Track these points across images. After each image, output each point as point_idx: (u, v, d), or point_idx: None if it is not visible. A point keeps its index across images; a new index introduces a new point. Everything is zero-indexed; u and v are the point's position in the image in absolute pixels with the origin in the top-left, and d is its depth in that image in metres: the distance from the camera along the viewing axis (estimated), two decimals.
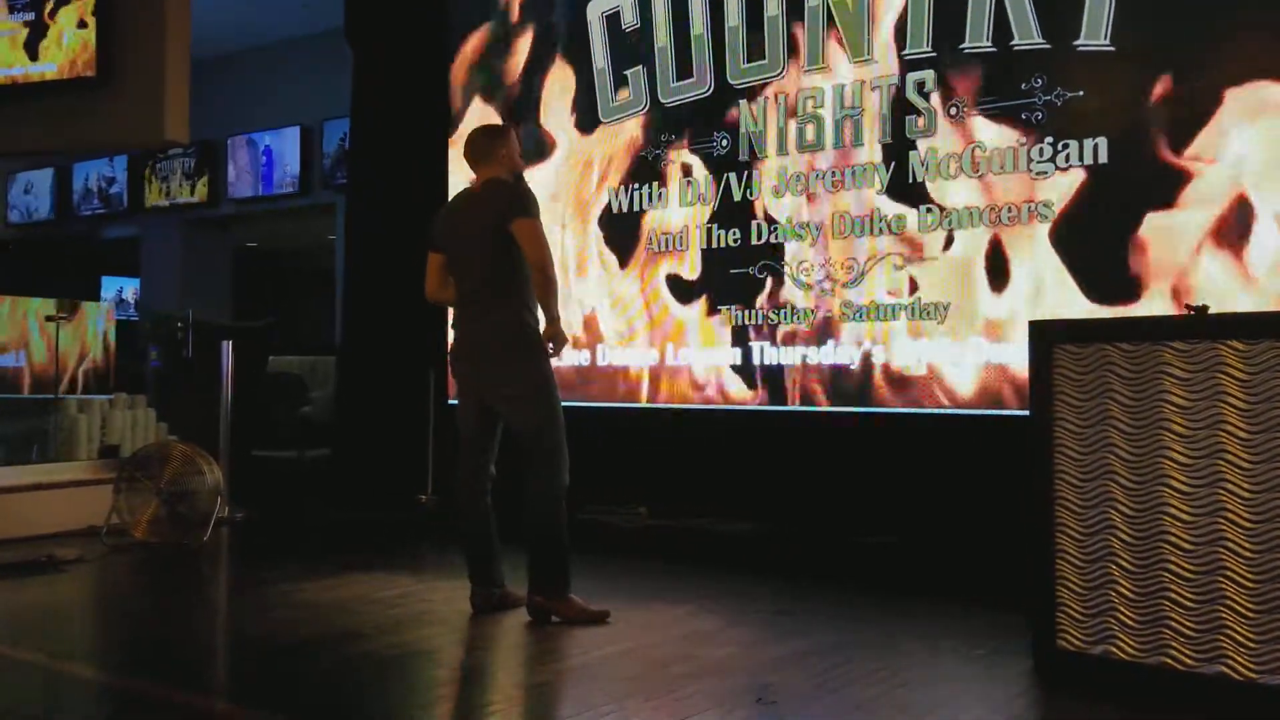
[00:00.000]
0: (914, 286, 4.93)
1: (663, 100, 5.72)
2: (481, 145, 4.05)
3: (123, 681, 3.25)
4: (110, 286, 12.98)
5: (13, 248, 11.50)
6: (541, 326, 3.83)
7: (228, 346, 6.27)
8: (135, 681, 3.21)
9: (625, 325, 5.81)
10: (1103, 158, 4.51)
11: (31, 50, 5.80)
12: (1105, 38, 4.52)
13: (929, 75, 4.93)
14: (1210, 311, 3.07)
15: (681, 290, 5.63)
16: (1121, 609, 3.04)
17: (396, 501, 6.28)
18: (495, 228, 3.82)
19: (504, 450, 4.00)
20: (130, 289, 12.61)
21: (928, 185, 4.92)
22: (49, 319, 6.37)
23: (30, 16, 5.82)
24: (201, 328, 7.06)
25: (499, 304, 3.84)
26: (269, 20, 8.91)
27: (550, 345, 3.83)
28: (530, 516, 3.80)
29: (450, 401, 5.33)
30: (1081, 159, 4.55)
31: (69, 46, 5.73)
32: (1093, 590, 3.10)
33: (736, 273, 5.45)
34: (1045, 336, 3.27)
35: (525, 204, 3.84)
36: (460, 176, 5.59)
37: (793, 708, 2.85)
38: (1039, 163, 4.65)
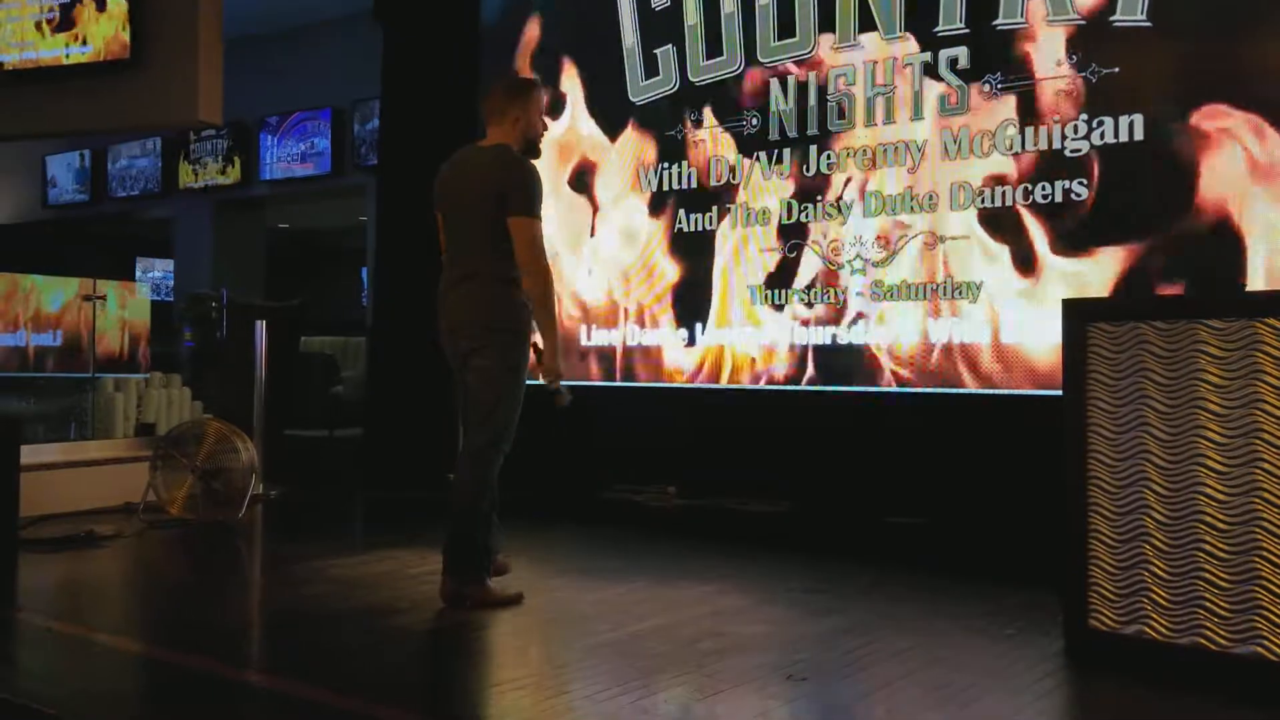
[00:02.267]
0: (946, 265, 4.91)
1: (692, 79, 5.70)
2: (498, 102, 3.76)
3: (160, 653, 3.30)
4: (146, 268, 13.12)
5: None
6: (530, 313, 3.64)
7: (261, 326, 6.31)
8: (172, 653, 3.25)
9: (653, 305, 5.80)
10: (1138, 134, 4.46)
11: (67, 34, 5.85)
12: (1142, 12, 4.46)
13: (961, 52, 4.89)
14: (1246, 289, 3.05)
15: (711, 269, 5.62)
16: (1154, 589, 3.02)
17: (427, 479, 6.32)
18: (491, 205, 3.58)
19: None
20: (163, 270, 12.73)
21: (960, 163, 4.88)
22: (85, 299, 6.44)
23: (65, 0, 5.87)
24: (235, 308, 7.11)
25: (483, 278, 3.62)
26: (301, 1, 8.93)
27: (543, 373, 3.65)
28: (453, 496, 3.62)
29: None
30: (1116, 136, 4.51)
31: (103, 30, 5.78)
32: (1126, 570, 3.08)
33: (767, 252, 5.43)
34: (1079, 315, 3.24)
35: (528, 198, 3.58)
36: None
37: (822, 684, 2.86)
38: (1073, 140, 4.60)
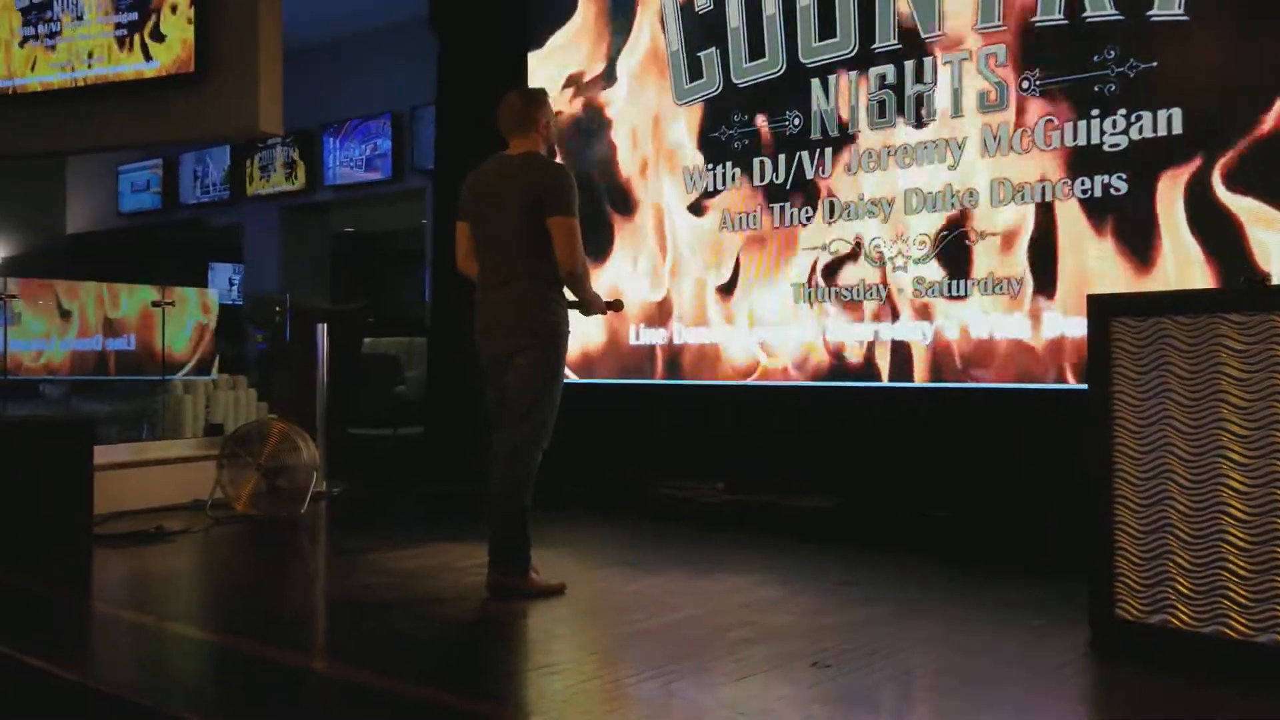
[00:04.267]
0: (985, 262, 4.95)
1: (735, 81, 5.79)
2: (521, 112, 3.87)
3: (228, 640, 3.48)
4: (220, 273, 13.51)
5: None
6: (569, 312, 3.84)
7: (323, 329, 6.52)
8: (239, 640, 3.43)
9: (701, 304, 5.91)
10: (1177, 128, 4.46)
11: (134, 49, 6.11)
12: (1180, 7, 4.47)
13: (1000, 49, 4.92)
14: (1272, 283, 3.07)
15: (755, 268, 5.71)
16: (1178, 579, 3.06)
17: (482, 474, 6.49)
18: (530, 208, 3.70)
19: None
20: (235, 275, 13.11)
21: (1000, 160, 4.92)
22: (154, 304, 6.71)
23: (133, 16, 6.13)
24: (299, 310, 7.35)
25: (525, 280, 3.74)
26: (358, 10, 9.16)
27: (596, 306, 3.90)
28: (494, 492, 3.75)
29: None
30: (1155, 130, 4.52)
31: (169, 44, 6.03)
32: (1150, 560, 3.12)
33: (809, 250, 5.51)
34: (1103, 310, 3.29)
35: (567, 198, 3.71)
36: None
37: (846, 671, 2.95)
38: (1112, 135, 4.62)
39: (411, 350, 9.33)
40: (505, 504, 3.74)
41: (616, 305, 4.12)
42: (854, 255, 5.37)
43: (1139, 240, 4.54)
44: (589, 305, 3.95)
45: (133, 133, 6.32)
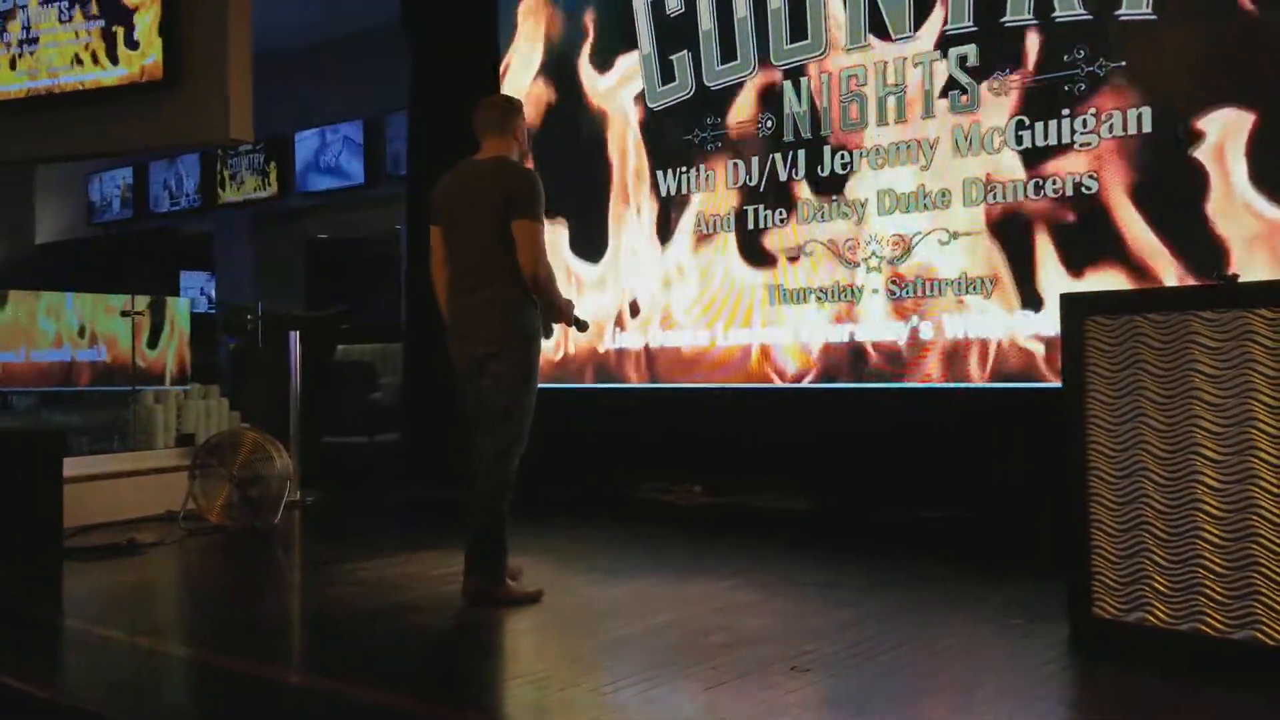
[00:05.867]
0: (959, 262, 4.96)
1: (708, 83, 5.79)
2: (497, 116, 3.91)
3: (202, 654, 3.44)
4: (192, 281, 13.40)
5: None
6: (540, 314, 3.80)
7: (295, 337, 6.47)
8: (213, 654, 3.39)
9: (675, 307, 5.89)
10: (1146, 127, 4.49)
11: (102, 57, 6.04)
12: (1148, 6, 4.49)
13: (971, 50, 4.94)
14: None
15: (729, 270, 5.70)
16: (1155, 576, 3.07)
17: (460, 479, 6.46)
18: (501, 212, 3.70)
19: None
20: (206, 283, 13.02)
21: (971, 160, 4.93)
22: (124, 314, 6.64)
23: (102, 24, 6.06)
24: (271, 318, 7.29)
25: (498, 284, 3.73)
26: (330, 15, 9.11)
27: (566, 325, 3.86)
28: (474, 499, 3.73)
29: None
30: (1125, 129, 4.54)
31: (139, 52, 5.96)
32: (1127, 558, 3.13)
33: (783, 251, 5.51)
34: (1076, 309, 3.30)
35: (533, 203, 3.72)
36: None
37: (826, 675, 2.93)
38: (1082, 134, 4.64)
39: (386, 357, 9.27)
40: (481, 510, 3.72)
41: (581, 325, 4.01)
42: (828, 256, 5.37)
43: (1111, 238, 4.56)
44: (556, 311, 3.87)
45: (102, 141, 6.25)
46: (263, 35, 6.36)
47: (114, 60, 6.02)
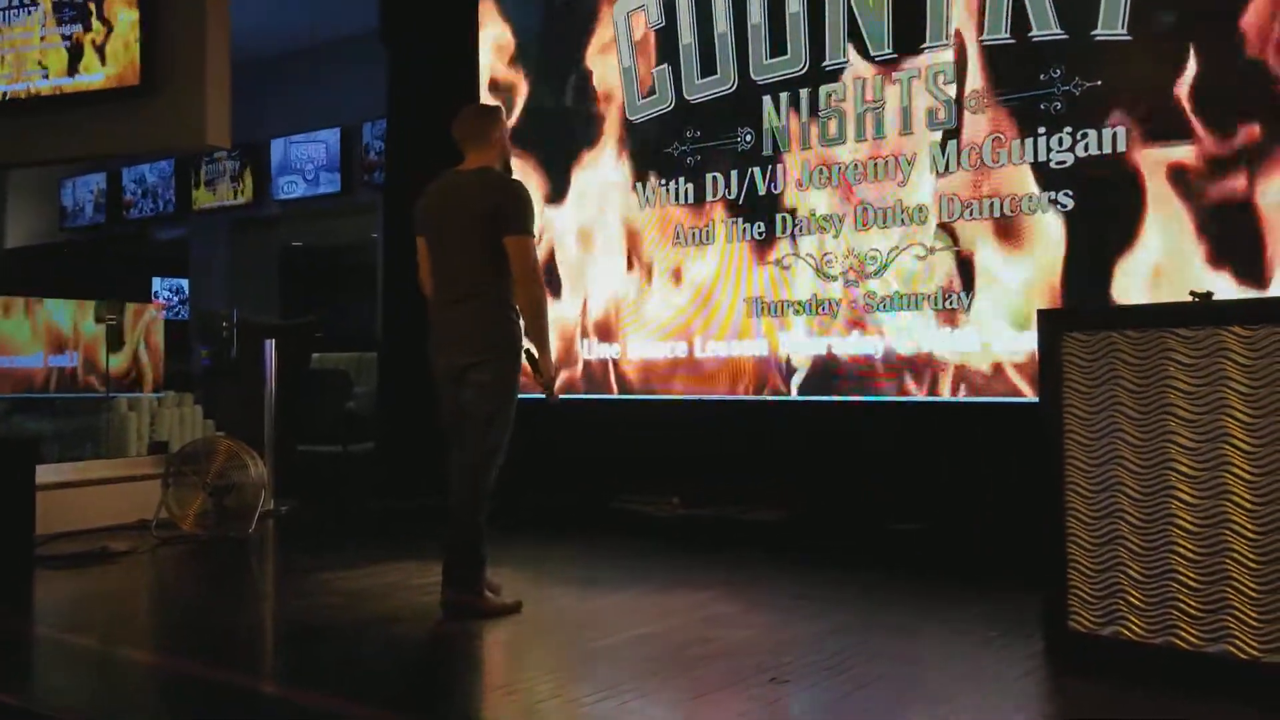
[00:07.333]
0: (936, 277, 5.00)
1: (688, 97, 5.81)
2: (476, 126, 3.86)
3: (175, 664, 3.41)
4: (161, 287, 13.29)
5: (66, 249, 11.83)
6: (523, 325, 3.76)
7: (270, 345, 6.44)
8: (187, 664, 3.36)
9: (653, 318, 5.91)
10: (1121, 146, 4.54)
11: (78, 61, 6.01)
12: (1123, 26, 4.55)
13: (948, 68, 4.98)
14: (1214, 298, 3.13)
15: (708, 283, 5.72)
16: (1130, 590, 3.10)
17: (436, 487, 6.44)
18: (486, 222, 3.68)
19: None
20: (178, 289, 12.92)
21: (948, 177, 4.97)
22: (98, 320, 6.59)
23: (78, 28, 6.03)
24: (246, 326, 7.26)
25: (481, 296, 3.72)
26: (309, 23, 9.09)
27: (540, 382, 3.76)
28: (452, 510, 3.72)
29: None
30: (1100, 148, 4.59)
31: (114, 56, 5.93)
32: (1102, 572, 3.16)
33: (762, 266, 5.54)
34: (1053, 324, 3.34)
35: (522, 217, 3.71)
36: None
37: (803, 686, 2.95)
38: (1058, 152, 4.69)
39: (362, 365, 9.24)
40: (460, 520, 3.71)
41: (550, 395, 3.85)
42: (806, 271, 5.39)
43: (1088, 254, 4.61)
44: (540, 337, 3.77)
45: (77, 146, 6.22)
46: (240, 42, 6.35)
47: (91, 66, 5.99)
